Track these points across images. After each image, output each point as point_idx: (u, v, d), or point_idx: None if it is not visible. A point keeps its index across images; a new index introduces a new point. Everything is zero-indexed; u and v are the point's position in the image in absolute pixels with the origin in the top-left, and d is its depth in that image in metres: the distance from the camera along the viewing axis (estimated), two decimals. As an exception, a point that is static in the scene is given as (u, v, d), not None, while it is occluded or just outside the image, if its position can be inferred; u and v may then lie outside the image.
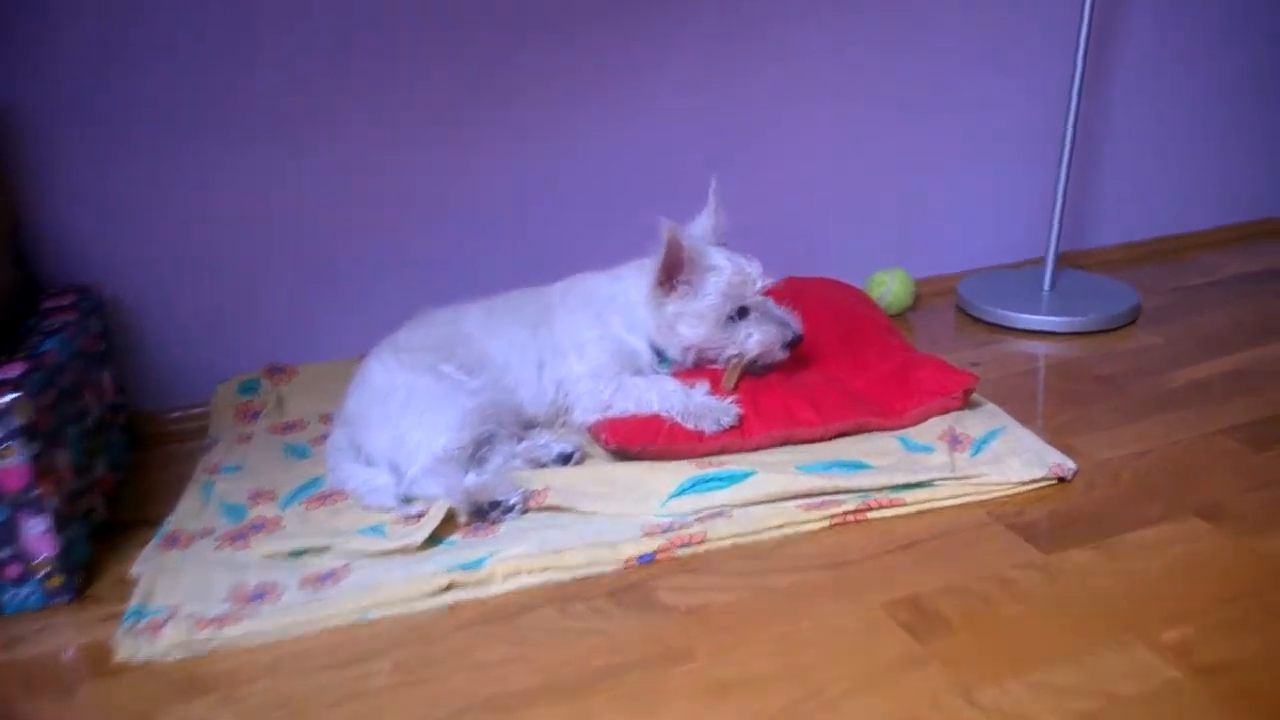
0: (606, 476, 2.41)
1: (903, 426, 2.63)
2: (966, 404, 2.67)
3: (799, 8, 3.06)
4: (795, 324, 2.49)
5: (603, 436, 2.53)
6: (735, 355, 2.50)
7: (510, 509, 2.27)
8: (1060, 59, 3.19)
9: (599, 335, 2.56)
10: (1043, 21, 3.30)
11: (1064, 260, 3.48)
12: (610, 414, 2.57)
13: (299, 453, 2.51)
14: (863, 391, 2.75)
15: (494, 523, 2.27)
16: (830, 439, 2.58)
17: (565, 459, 2.50)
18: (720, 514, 2.12)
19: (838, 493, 2.19)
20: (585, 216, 3.02)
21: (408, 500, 2.20)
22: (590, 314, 2.58)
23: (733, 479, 2.32)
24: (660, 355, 2.64)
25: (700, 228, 2.60)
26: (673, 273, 2.42)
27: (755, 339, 2.48)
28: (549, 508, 2.31)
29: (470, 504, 2.25)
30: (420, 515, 2.12)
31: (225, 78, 2.58)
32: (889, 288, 3.35)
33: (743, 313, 2.46)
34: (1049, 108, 3.35)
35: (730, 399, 2.60)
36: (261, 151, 2.67)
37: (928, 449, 2.48)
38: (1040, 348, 3.07)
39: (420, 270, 3.07)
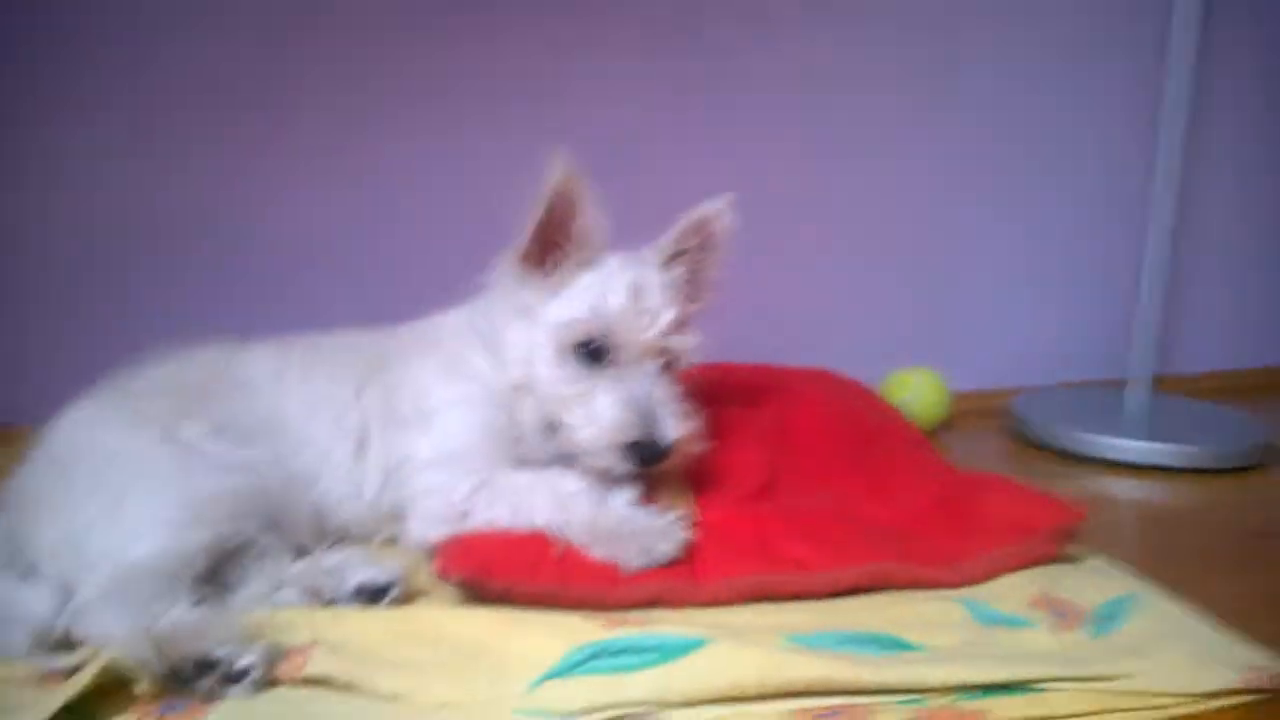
0: (437, 633, 1.35)
1: (963, 584, 1.59)
2: (1058, 554, 1.67)
3: (832, 57, 2.66)
4: (666, 423, 1.60)
5: (446, 562, 1.42)
6: (569, 438, 1.64)
7: (235, 677, 1.22)
8: (1140, 142, 2.75)
9: (458, 395, 1.71)
10: (1123, 96, 2.89)
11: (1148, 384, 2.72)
12: (467, 526, 1.58)
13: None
14: (892, 525, 1.71)
15: (205, 699, 1.21)
16: (839, 594, 1.54)
17: (371, 595, 1.41)
18: (637, 720, 1.14)
19: (860, 692, 1.26)
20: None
21: (65, 643, 1.30)
22: (443, 361, 1.74)
23: (666, 651, 1.29)
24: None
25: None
26: (551, 235, 1.62)
27: (583, 416, 1.60)
28: (312, 681, 1.25)
29: (162, 659, 1.20)
30: (71, 672, 1.22)
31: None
32: (914, 392, 2.58)
33: (602, 359, 1.62)
34: (1120, 199, 2.90)
35: (673, 514, 1.57)
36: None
37: (1016, 622, 1.46)
38: (1143, 487, 2.27)
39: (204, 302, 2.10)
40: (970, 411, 2.72)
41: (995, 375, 2.87)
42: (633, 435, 1.56)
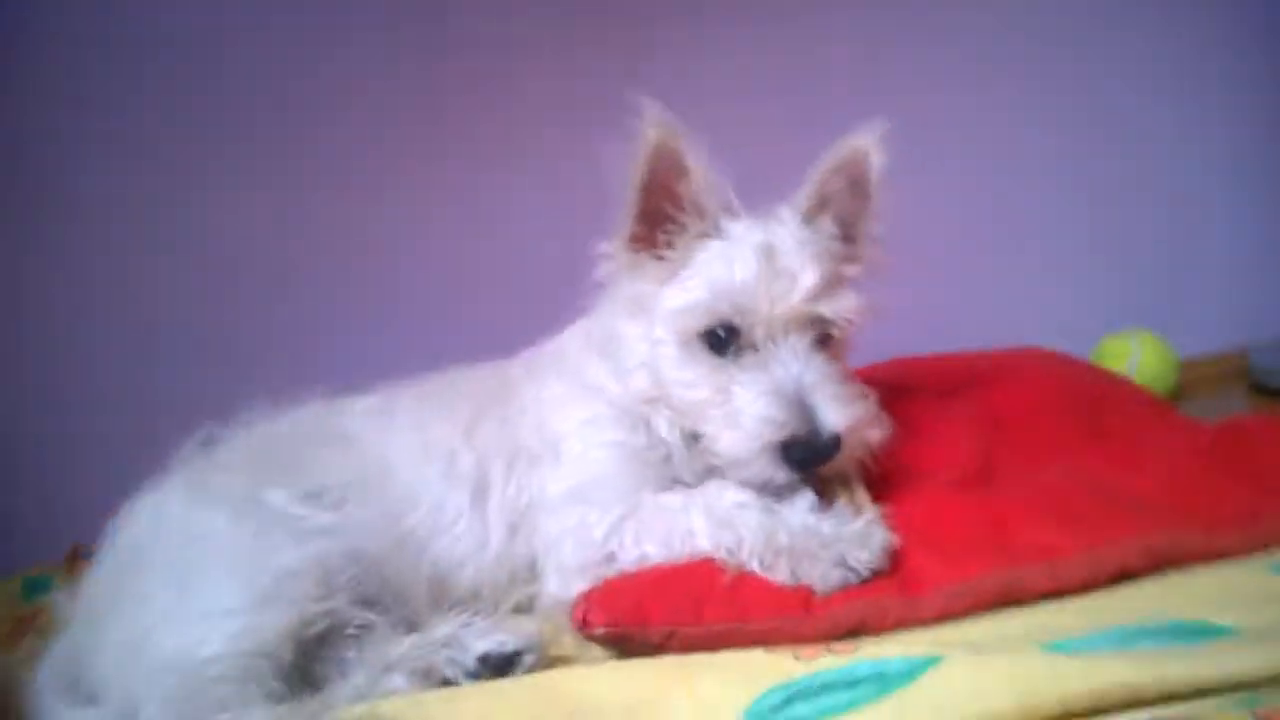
0: (581, 701, 1.03)
1: (1267, 545, 1.21)
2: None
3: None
4: (825, 410, 1.25)
5: (587, 611, 1.13)
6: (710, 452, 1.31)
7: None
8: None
9: (584, 416, 1.41)
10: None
11: None
12: (615, 569, 1.26)
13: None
14: (1155, 492, 1.34)
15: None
16: (1100, 585, 1.17)
17: (498, 666, 1.12)
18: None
19: (1169, 699, 0.90)
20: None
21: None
22: (564, 381, 1.45)
23: (888, 679, 0.95)
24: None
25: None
26: (657, 205, 1.32)
27: (721, 419, 1.28)
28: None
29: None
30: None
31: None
32: (1134, 357, 2.19)
33: (737, 346, 1.30)
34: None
35: (868, 514, 1.24)
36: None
37: None
38: None
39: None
40: (1199, 380, 2.28)
41: (1223, 335, 2.43)
42: (785, 433, 1.24)
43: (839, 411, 1.25)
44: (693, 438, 1.34)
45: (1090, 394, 1.68)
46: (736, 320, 1.29)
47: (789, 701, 0.95)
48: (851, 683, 0.95)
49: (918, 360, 1.82)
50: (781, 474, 1.25)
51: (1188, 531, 1.21)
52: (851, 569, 1.17)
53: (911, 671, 0.94)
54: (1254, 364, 2.26)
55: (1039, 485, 1.35)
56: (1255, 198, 2.54)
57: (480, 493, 1.38)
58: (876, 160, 1.35)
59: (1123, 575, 1.18)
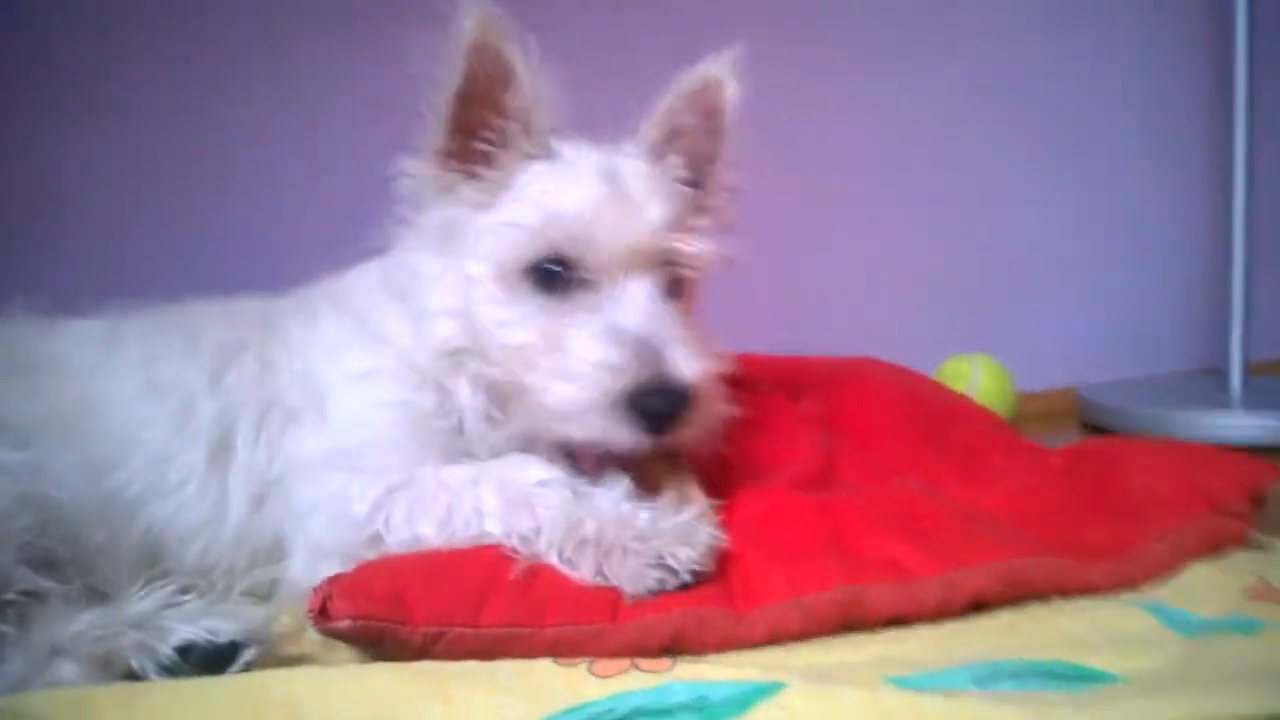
0: (292, 714, 0.73)
1: (1134, 582, 1.06)
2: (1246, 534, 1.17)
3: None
4: (676, 357, 1.05)
5: (331, 599, 0.87)
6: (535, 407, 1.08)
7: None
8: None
9: (362, 369, 1.17)
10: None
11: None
12: (380, 552, 1.02)
13: None
14: (1008, 512, 1.18)
15: None
16: (952, 613, 1.00)
17: (207, 661, 0.83)
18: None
19: None
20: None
21: None
22: (343, 327, 1.21)
23: (712, 708, 0.75)
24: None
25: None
26: (475, 115, 1.11)
27: (552, 368, 1.06)
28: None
29: None
30: None
31: None
32: (974, 381, 2.06)
33: (571, 285, 1.10)
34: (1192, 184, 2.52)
35: (693, 509, 1.03)
36: None
37: (1238, 625, 0.97)
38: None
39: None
40: (1030, 414, 2.20)
41: (1055, 372, 2.38)
42: (628, 379, 1.02)
43: (692, 361, 1.04)
44: (503, 401, 1.11)
45: (934, 407, 1.53)
46: (570, 252, 1.08)
47: (584, 728, 0.73)
48: (664, 710, 0.74)
49: (751, 356, 1.62)
50: (626, 432, 1.03)
51: (1050, 560, 1.04)
52: (670, 570, 0.96)
53: (742, 699, 0.74)
54: (1083, 401, 2.19)
55: (884, 496, 1.17)
56: (1095, 245, 2.53)
57: (221, 452, 1.12)
58: (732, 93, 1.18)
59: (976, 604, 1.01)
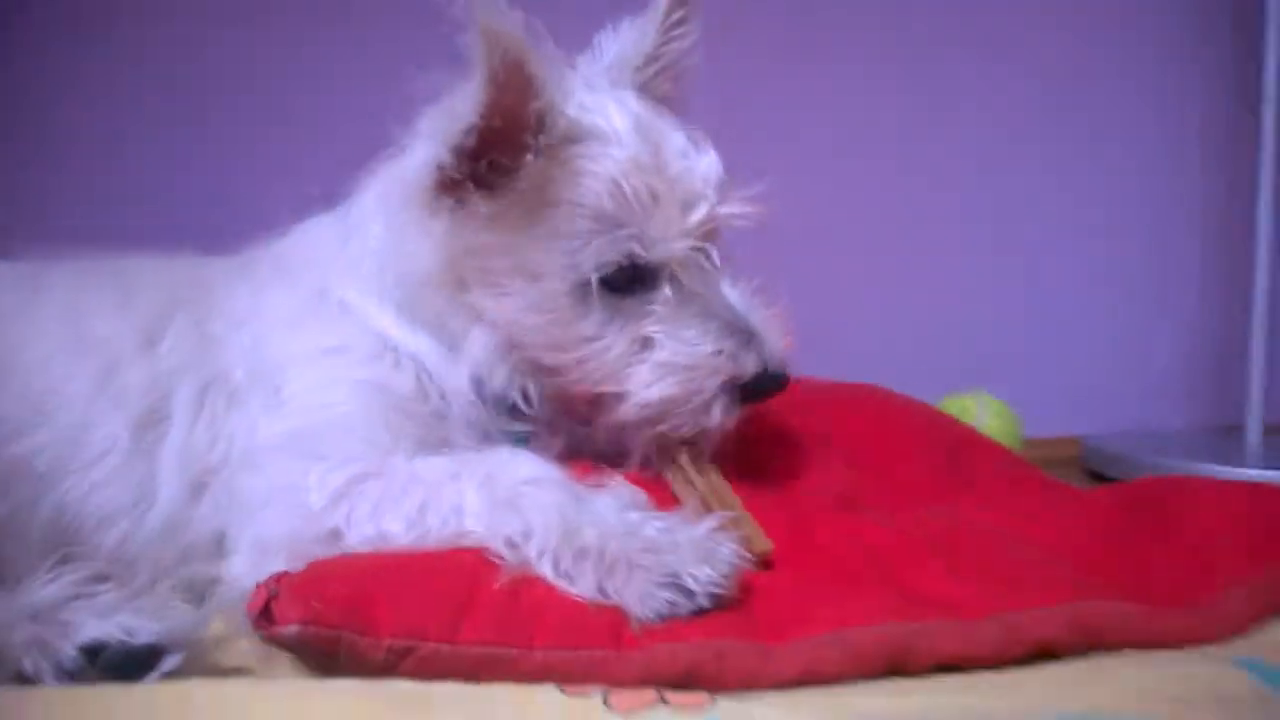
0: None
1: (1221, 635, 0.91)
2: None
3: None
4: (774, 337, 1.02)
5: (266, 600, 0.67)
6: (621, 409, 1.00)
7: None
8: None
9: (337, 343, 1.02)
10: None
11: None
12: (340, 549, 0.85)
13: None
14: (1055, 548, 1.03)
15: None
16: (1012, 660, 0.83)
17: (117, 666, 0.64)
18: None
19: None
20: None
21: None
22: (305, 290, 1.06)
23: None
24: (495, 394, 1.03)
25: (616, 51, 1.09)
26: (504, 135, 0.94)
27: (654, 365, 0.98)
28: None
29: None
30: None
31: None
32: (977, 420, 1.84)
33: (639, 284, 0.99)
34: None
35: (710, 520, 0.87)
36: None
37: None
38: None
39: None
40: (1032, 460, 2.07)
41: (1058, 419, 2.24)
42: (742, 367, 0.98)
43: (781, 337, 1.02)
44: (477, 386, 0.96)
45: (955, 437, 1.39)
46: (639, 251, 0.97)
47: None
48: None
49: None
50: (729, 416, 0.99)
51: (1121, 605, 0.90)
52: (685, 591, 0.80)
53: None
54: (1091, 449, 2.09)
55: (921, 523, 1.02)
56: (1107, 289, 2.43)
57: (150, 424, 0.97)
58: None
59: (1040, 651, 0.86)
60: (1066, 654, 0.87)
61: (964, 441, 1.38)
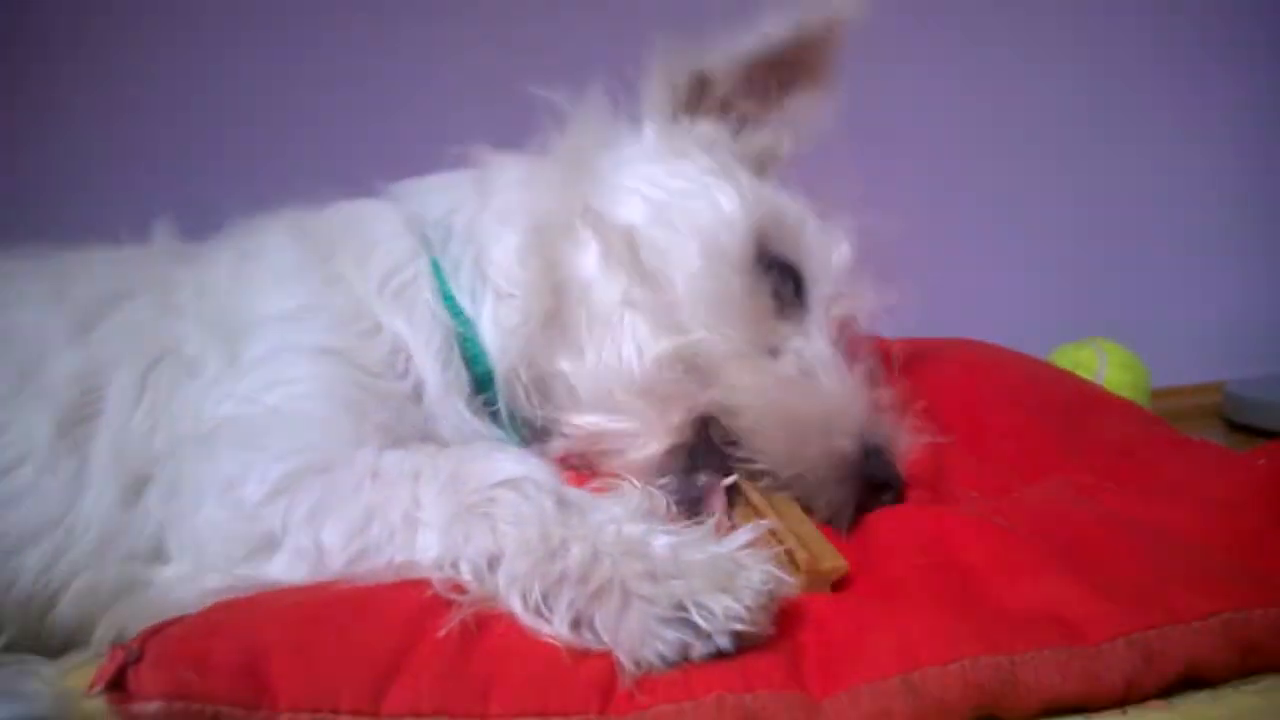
0: None
1: None
2: None
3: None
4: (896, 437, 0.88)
5: (122, 664, 0.49)
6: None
7: None
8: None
9: (301, 304, 0.87)
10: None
11: None
12: (273, 569, 0.70)
13: None
14: (1199, 536, 0.79)
15: None
16: (1146, 693, 0.62)
17: None
18: None
19: None
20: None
21: None
22: (305, 253, 0.92)
23: None
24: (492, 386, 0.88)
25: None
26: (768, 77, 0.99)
27: (779, 384, 0.86)
28: None
29: None
30: None
31: None
32: (1098, 374, 1.64)
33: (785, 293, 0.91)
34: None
35: (740, 534, 0.67)
36: None
37: None
38: None
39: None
40: (1167, 413, 1.85)
41: (1193, 366, 2.08)
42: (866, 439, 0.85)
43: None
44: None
45: (1066, 395, 1.16)
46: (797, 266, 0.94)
47: None
48: None
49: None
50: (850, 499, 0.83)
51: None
52: (697, 629, 0.60)
53: None
54: (1233, 398, 1.92)
55: (1025, 511, 0.80)
56: (1255, 218, 2.27)
57: (79, 420, 0.83)
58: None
59: (1187, 676, 0.64)
60: (1220, 679, 0.65)
61: (1080, 400, 1.15)
